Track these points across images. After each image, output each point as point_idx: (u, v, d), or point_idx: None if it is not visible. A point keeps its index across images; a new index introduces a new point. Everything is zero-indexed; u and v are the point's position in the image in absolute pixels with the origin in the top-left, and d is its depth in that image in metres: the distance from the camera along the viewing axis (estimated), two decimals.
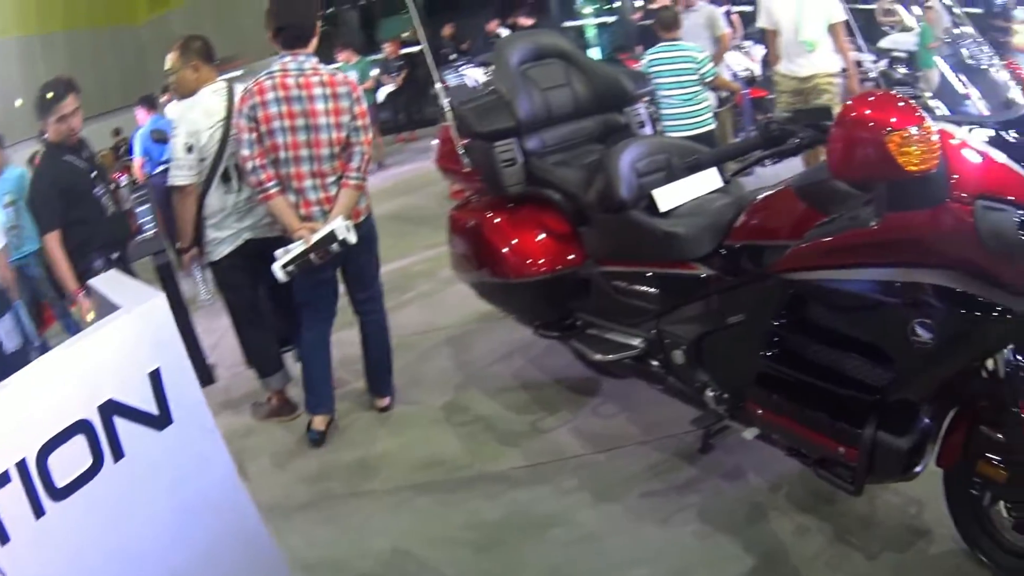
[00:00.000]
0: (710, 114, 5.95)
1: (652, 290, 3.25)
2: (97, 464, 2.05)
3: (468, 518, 3.21)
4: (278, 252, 3.53)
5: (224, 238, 3.94)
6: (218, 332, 5.18)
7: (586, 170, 3.47)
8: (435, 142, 4.47)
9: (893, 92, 2.22)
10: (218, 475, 2.35)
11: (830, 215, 2.46)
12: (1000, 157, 2.17)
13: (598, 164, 3.36)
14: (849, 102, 2.19)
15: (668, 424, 3.60)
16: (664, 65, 5.70)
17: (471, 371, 4.35)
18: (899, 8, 6.25)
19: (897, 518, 2.96)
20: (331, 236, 3.47)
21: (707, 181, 3.32)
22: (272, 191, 3.55)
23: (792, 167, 2.98)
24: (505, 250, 3.61)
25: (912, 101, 2.14)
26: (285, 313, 4.18)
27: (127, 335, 2.16)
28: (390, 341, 4.06)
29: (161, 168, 7.77)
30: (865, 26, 9.67)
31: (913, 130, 2.01)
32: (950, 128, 2.20)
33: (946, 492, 2.63)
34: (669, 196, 3.23)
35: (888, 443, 2.42)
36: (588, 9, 18.03)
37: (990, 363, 2.36)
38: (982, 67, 2.47)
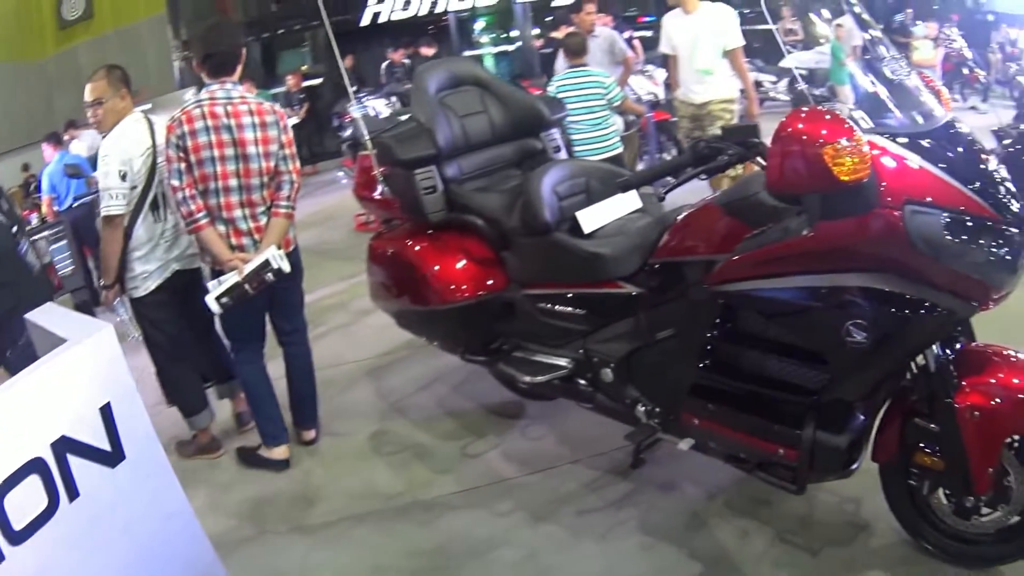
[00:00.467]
0: (617, 138, 6.11)
1: (578, 311, 3.29)
2: (53, 505, 1.95)
3: (408, 546, 3.16)
4: (211, 284, 3.45)
5: (152, 271, 3.79)
6: (136, 370, 4.95)
7: (507, 195, 3.50)
8: (340, 173, 4.46)
9: (823, 108, 2.31)
10: (173, 512, 2.27)
11: (758, 228, 2.54)
12: (922, 164, 2.29)
13: (519, 189, 3.40)
14: (784, 119, 2.29)
15: (597, 442, 3.66)
16: (572, 91, 5.76)
17: (393, 401, 4.30)
18: (816, 20, 6.43)
19: (836, 515, 3.05)
20: (265, 265, 3.42)
21: (627, 202, 3.41)
22: (202, 222, 3.45)
23: (697, 189, 3.11)
24: (428, 277, 3.59)
25: (842, 115, 2.26)
26: (205, 348, 4.06)
27: (77, 368, 2.07)
28: (315, 373, 4.02)
29: (79, 203, 7.50)
30: (764, 47, 10.14)
31: (845, 142, 2.13)
32: (876, 139, 2.31)
33: (884, 486, 2.73)
34: (592, 218, 3.29)
35: (827, 441, 2.51)
36: (486, 38, 18.38)
37: (920, 359, 2.48)
38: (900, 80, 2.61)
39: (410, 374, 4.61)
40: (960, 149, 2.42)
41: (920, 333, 2.34)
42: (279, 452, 3.77)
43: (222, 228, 3.51)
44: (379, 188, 3.78)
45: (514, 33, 18.11)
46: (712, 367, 2.80)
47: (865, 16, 2.87)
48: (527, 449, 3.75)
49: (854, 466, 2.61)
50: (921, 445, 2.56)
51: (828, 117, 2.22)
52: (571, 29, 6.89)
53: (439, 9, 16.94)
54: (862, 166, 2.14)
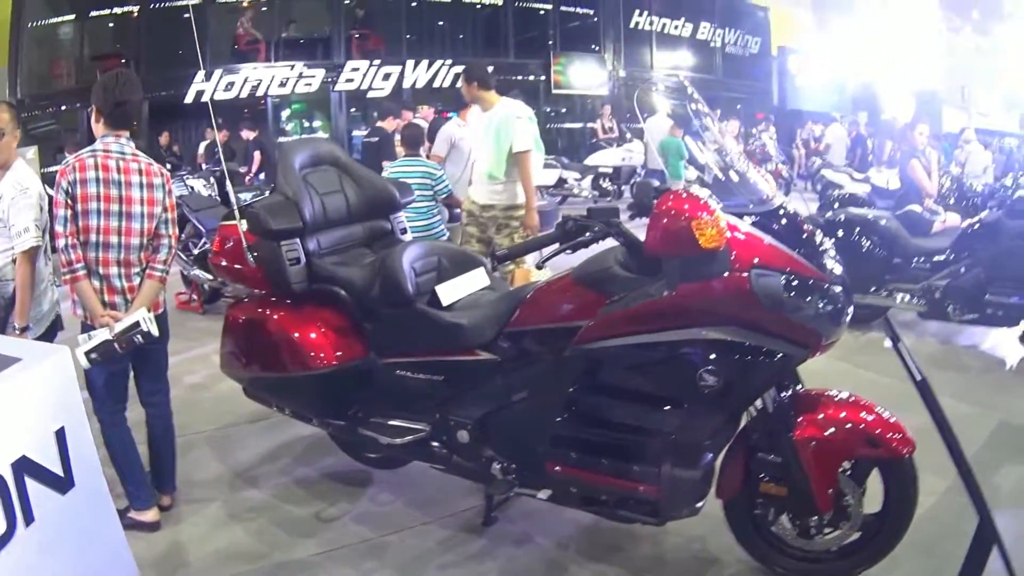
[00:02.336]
0: (442, 227, 6.36)
1: (436, 377, 3.47)
2: (10, 529, 1.87)
3: None
4: (81, 337, 3.33)
5: (44, 314, 3.70)
6: None
7: (368, 269, 3.65)
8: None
9: (691, 191, 2.82)
10: (113, 544, 2.20)
11: (614, 296, 2.91)
12: (764, 236, 2.81)
13: (381, 264, 3.56)
14: (660, 198, 2.78)
15: (445, 504, 3.82)
16: (403, 179, 5.62)
17: (242, 470, 4.23)
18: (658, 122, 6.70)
19: (685, 553, 3.34)
20: (135, 326, 3.35)
21: (478, 279, 3.71)
22: (80, 273, 3.35)
23: None
24: (290, 344, 3.65)
25: (703, 197, 2.76)
26: None
27: (35, 389, 2.01)
28: (175, 437, 3.93)
29: None
30: (569, 145, 10.60)
31: (706, 216, 2.65)
32: (729, 217, 2.78)
33: (730, 520, 3.10)
34: (450, 292, 3.55)
35: (683, 476, 2.86)
36: (291, 125, 18.51)
37: (758, 403, 2.92)
38: (741, 170, 3.11)
39: (254, 445, 4.56)
40: (790, 225, 2.93)
41: (763, 376, 2.79)
42: (150, 515, 3.63)
43: (96, 283, 3.43)
44: (248, 257, 3.81)
45: (317, 123, 18.39)
46: (574, 418, 3.07)
47: (705, 109, 3.30)
48: (380, 513, 3.82)
49: (701, 503, 2.96)
50: (763, 477, 2.94)
51: (694, 198, 2.72)
52: (412, 120, 7.12)
53: (260, 92, 16.99)
54: (719, 236, 2.64)
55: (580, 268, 3.14)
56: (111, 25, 17.53)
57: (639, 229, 2.96)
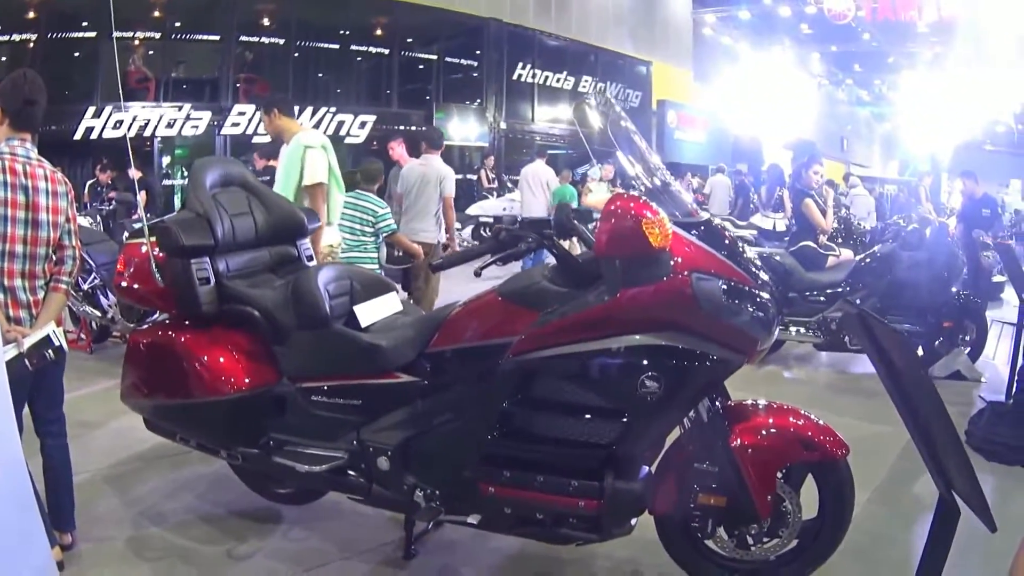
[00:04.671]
0: (375, 265, 6.29)
1: (354, 402, 3.34)
2: None
3: None
4: None
5: None
6: None
7: (280, 291, 3.51)
8: None
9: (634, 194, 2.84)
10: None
11: (543, 311, 2.87)
12: (701, 244, 2.82)
13: (294, 284, 3.43)
14: (608, 201, 2.79)
15: (361, 540, 3.66)
16: (348, 210, 6.07)
17: (143, 508, 3.93)
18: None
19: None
20: (46, 341, 3.11)
21: (392, 303, 3.62)
22: None
23: None
24: (197, 367, 3.44)
25: (647, 201, 2.77)
26: None
27: None
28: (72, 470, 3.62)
29: None
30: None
31: (652, 217, 2.66)
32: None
33: (663, 537, 3.05)
34: (368, 313, 3.45)
35: (624, 489, 2.80)
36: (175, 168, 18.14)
37: (692, 415, 2.90)
38: (667, 182, 3.17)
39: (153, 483, 4.27)
40: (716, 236, 2.94)
41: (703, 381, 2.78)
42: (53, 554, 3.32)
43: (0, 296, 3.18)
44: (156, 276, 3.60)
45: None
46: (508, 435, 2.97)
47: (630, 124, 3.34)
48: (294, 549, 3.62)
49: (635, 520, 2.89)
50: (699, 489, 2.91)
51: (639, 200, 2.74)
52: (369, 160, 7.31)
53: (147, 132, 16.54)
54: (665, 236, 2.65)
55: (505, 285, 3.09)
56: (7, 54, 16.72)
57: None
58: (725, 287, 2.71)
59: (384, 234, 6.42)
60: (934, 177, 17.82)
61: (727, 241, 2.93)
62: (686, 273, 2.68)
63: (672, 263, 2.69)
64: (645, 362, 2.70)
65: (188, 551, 3.56)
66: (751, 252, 3.02)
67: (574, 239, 3.15)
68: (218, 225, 3.59)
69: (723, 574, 3.05)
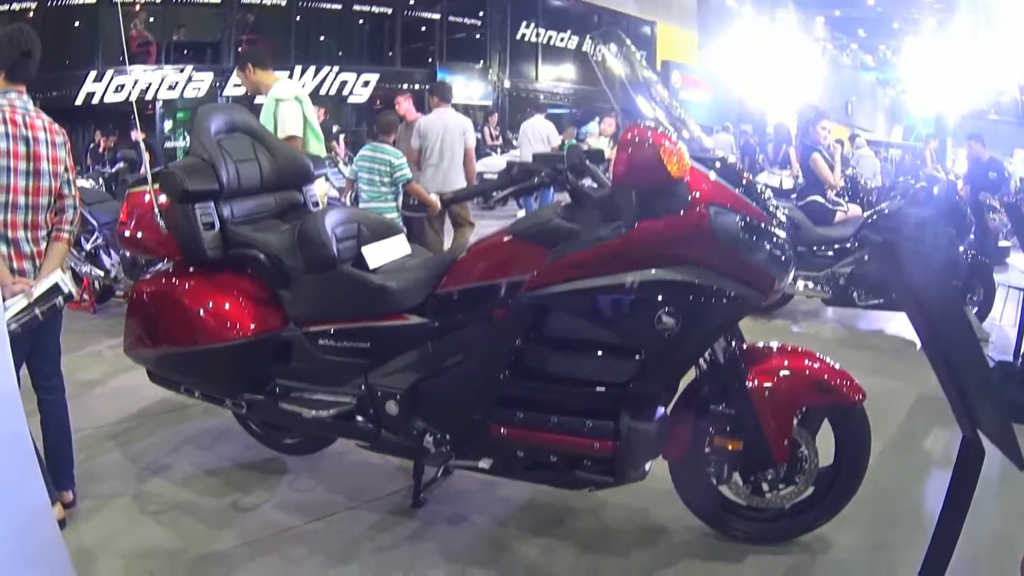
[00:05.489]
0: (395, 213, 6.46)
1: (361, 345, 3.27)
2: None
3: None
4: None
5: None
6: None
7: (287, 235, 3.44)
8: None
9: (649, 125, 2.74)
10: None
11: (556, 249, 2.79)
12: (717, 178, 2.74)
13: (300, 227, 3.36)
14: (624, 130, 2.72)
15: (368, 489, 3.60)
16: (366, 162, 6.46)
17: (146, 464, 3.88)
18: None
19: (630, 524, 3.22)
20: (55, 289, 3.05)
21: (401, 246, 3.55)
22: None
23: None
24: (202, 314, 3.39)
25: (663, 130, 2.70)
26: None
27: None
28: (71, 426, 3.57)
29: None
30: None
31: (670, 146, 2.56)
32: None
33: (677, 483, 3.00)
34: (377, 254, 3.38)
35: (640, 429, 2.73)
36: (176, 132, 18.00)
37: (708, 356, 2.84)
38: (685, 121, 3.07)
39: (157, 438, 4.22)
40: (733, 174, 2.86)
41: (721, 318, 2.69)
42: (55, 511, 3.27)
43: (3, 249, 3.12)
44: (160, 223, 3.54)
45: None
46: (520, 375, 2.90)
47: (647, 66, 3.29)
48: (300, 500, 3.57)
49: (650, 464, 2.84)
50: (715, 432, 2.86)
51: (655, 130, 2.66)
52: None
53: (149, 95, 16.46)
54: (683, 167, 2.56)
55: (517, 224, 3.02)
56: (7, 22, 16.63)
57: None
58: (743, 223, 2.63)
59: (401, 183, 6.53)
60: (940, 141, 17.68)
61: (744, 180, 2.85)
62: (704, 206, 2.59)
63: (689, 197, 2.60)
64: (661, 298, 2.62)
65: (193, 504, 3.51)
66: (768, 192, 2.93)
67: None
68: (222, 170, 3.52)
69: (737, 522, 3.00)
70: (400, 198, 6.65)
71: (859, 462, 2.92)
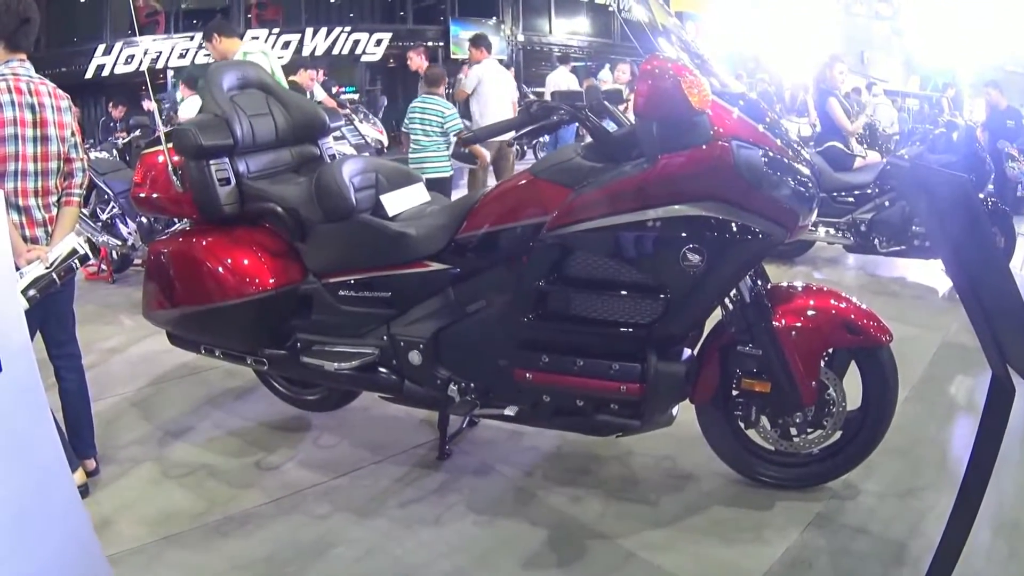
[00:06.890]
0: (448, 162, 6.76)
1: (382, 295, 3.24)
2: None
3: (234, 561, 2.83)
4: None
5: None
6: None
7: (303, 186, 3.42)
8: None
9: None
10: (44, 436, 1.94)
11: (578, 187, 2.73)
12: (739, 113, 2.68)
13: (317, 177, 3.33)
14: (644, 61, 2.67)
15: (392, 444, 3.60)
16: (418, 113, 6.63)
17: (169, 428, 3.89)
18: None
19: (658, 472, 3.20)
20: (72, 252, 3.04)
21: (419, 193, 3.52)
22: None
23: None
24: (221, 271, 3.37)
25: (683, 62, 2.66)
26: None
27: None
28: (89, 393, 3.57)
29: None
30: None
31: (691, 77, 2.51)
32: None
33: (704, 428, 2.97)
34: (395, 202, 3.35)
35: (667, 371, 2.70)
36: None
37: (733, 295, 2.79)
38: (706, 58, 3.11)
39: (178, 402, 4.23)
40: (755, 110, 2.82)
41: (746, 255, 2.63)
42: (76, 478, 3.28)
43: (16, 217, 3.10)
44: (175, 181, 3.51)
45: None
46: (545, 318, 2.85)
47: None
48: (324, 457, 3.57)
49: (677, 408, 2.81)
50: (742, 374, 2.84)
51: (676, 61, 2.63)
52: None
53: (160, 64, 16.39)
54: (704, 99, 2.51)
55: (538, 164, 2.95)
56: None
57: None
58: (766, 158, 2.56)
59: (453, 133, 6.65)
60: (956, 90, 17.36)
61: (767, 117, 2.79)
62: (727, 140, 2.53)
63: (712, 131, 2.54)
64: (686, 234, 2.57)
65: (216, 466, 3.51)
66: (791, 128, 2.88)
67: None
68: (236, 125, 3.49)
69: (765, 467, 2.98)
70: (452, 148, 6.80)
71: (887, 405, 2.87)
